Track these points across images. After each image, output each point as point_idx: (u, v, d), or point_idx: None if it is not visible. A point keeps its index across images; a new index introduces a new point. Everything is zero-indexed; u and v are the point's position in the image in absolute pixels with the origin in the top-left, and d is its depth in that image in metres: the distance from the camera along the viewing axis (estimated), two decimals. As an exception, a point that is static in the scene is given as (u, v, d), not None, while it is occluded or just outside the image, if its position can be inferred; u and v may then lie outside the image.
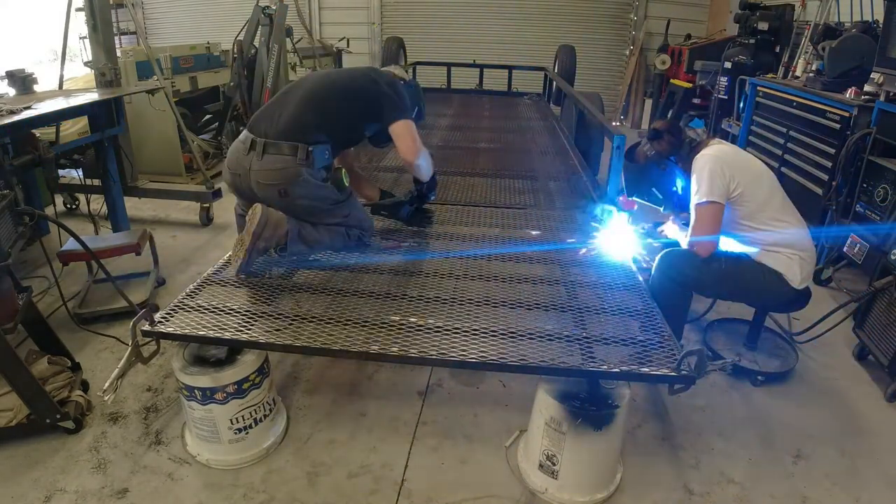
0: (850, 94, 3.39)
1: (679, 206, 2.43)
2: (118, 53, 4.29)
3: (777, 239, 2.16)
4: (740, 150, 2.25)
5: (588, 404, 1.70)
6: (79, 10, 4.01)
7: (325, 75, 2.47)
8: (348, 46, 7.61)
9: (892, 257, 2.52)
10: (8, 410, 1.96)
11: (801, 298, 2.26)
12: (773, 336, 2.74)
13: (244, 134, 2.21)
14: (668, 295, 2.20)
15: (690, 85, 6.74)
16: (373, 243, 2.47)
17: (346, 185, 2.31)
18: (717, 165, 2.13)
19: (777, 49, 5.67)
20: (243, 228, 2.15)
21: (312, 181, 2.15)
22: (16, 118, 2.75)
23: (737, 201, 2.16)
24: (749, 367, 2.47)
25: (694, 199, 2.17)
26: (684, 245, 2.30)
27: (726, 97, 5.56)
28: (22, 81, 3.53)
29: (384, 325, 1.85)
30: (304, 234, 2.24)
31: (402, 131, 2.27)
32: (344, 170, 2.32)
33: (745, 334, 2.64)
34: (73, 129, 4.16)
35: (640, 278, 2.27)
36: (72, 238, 2.29)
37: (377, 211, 2.71)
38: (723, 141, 2.28)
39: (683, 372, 1.65)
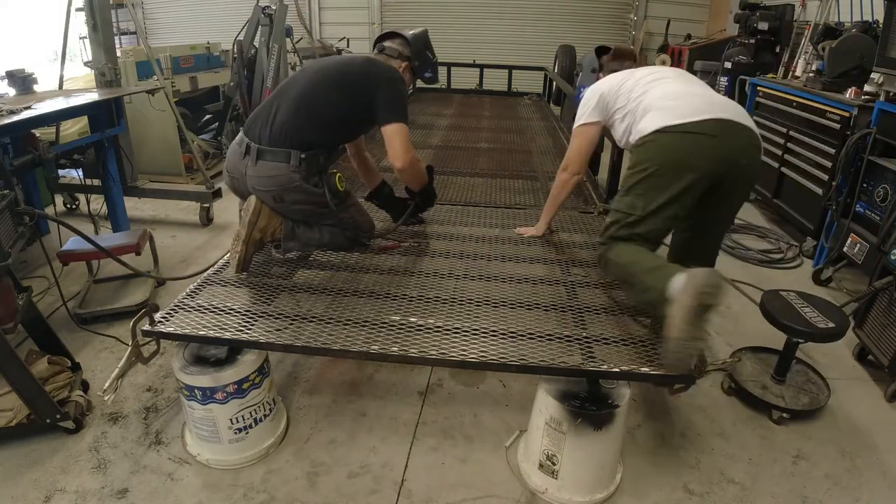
0: (850, 94, 3.39)
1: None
2: (118, 53, 4.29)
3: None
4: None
5: (588, 404, 1.70)
6: (79, 10, 4.00)
7: (319, 72, 2.28)
8: (348, 46, 7.62)
9: (892, 257, 2.52)
10: (8, 410, 1.95)
11: None
12: (806, 369, 2.45)
13: (241, 135, 2.20)
14: (623, 263, 1.98)
15: (690, 85, 6.74)
16: (371, 243, 2.47)
17: (341, 189, 2.29)
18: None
19: (777, 49, 5.68)
20: None
21: (306, 187, 2.14)
22: (16, 118, 2.75)
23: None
24: (774, 403, 2.22)
25: None
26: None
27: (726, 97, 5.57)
28: (22, 81, 3.53)
29: (384, 325, 1.85)
30: (298, 231, 2.26)
31: (393, 134, 2.20)
32: (339, 174, 2.29)
33: (774, 364, 2.37)
34: (73, 129, 4.17)
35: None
36: (72, 238, 2.29)
37: (371, 199, 2.71)
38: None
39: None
